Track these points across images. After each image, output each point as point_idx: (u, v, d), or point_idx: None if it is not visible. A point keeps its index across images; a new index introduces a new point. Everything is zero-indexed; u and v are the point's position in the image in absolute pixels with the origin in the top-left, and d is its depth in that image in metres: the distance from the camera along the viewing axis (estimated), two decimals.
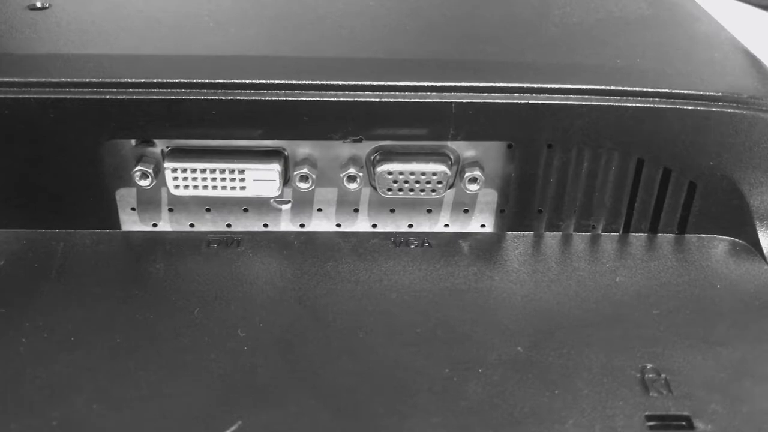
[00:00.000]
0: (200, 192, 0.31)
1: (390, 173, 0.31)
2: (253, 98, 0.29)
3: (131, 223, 0.33)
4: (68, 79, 0.29)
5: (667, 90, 0.30)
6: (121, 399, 0.24)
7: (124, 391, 0.25)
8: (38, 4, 0.35)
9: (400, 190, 0.32)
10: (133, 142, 0.31)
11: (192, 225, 0.34)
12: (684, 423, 0.24)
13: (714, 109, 0.30)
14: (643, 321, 0.28)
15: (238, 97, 0.29)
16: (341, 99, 0.29)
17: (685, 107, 0.30)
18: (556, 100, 0.30)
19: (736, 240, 0.32)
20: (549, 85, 0.30)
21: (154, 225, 0.34)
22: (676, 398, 0.25)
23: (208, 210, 0.33)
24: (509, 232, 0.33)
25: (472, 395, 0.25)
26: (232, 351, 0.26)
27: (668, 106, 0.30)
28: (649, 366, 0.26)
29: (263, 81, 0.29)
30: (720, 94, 0.30)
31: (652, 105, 0.30)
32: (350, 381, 0.25)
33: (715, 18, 0.39)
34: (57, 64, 0.30)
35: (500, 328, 0.28)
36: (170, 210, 0.33)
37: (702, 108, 0.30)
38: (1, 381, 0.25)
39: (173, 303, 0.28)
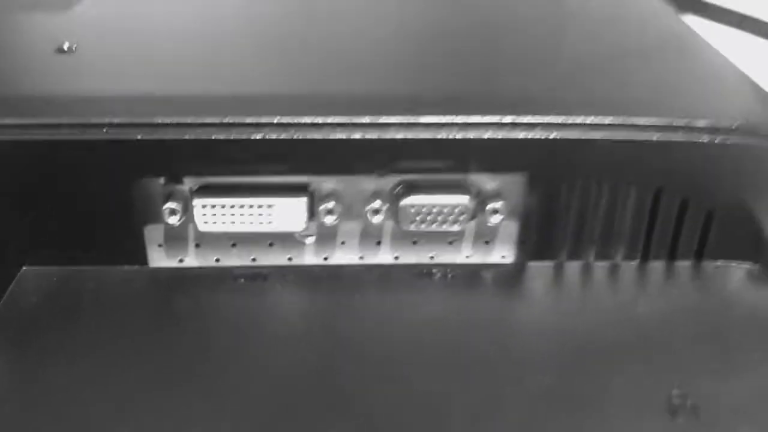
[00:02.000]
0: (228, 227, 0.32)
1: (413, 206, 0.32)
2: (282, 137, 0.30)
3: (158, 259, 0.34)
4: (99, 121, 0.30)
5: (685, 123, 0.30)
6: None
7: (162, 428, 0.25)
8: (65, 47, 0.36)
9: (423, 222, 0.32)
10: (162, 180, 0.32)
11: (218, 260, 0.34)
12: None
13: (730, 141, 0.30)
14: (667, 348, 0.29)
15: (267, 136, 0.30)
16: (367, 137, 0.30)
17: (702, 140, 0.30)
18: (575, 135, 0.30)
19: (754, 266, 0.33)
20: (568, 120, 0.30)
21: (181, 260, 0.34)
22: (704, 424, 0.25)
23: (233, 245, 0.34)
24: (530, 263, 0.34)
25: (504, 425, 0.25)
26: (269, 385, 0.26)
27: (685, 140, 0.30)
28: (675, 393, 0.26)
29: (291, 120, 0.30)
30: (736, 126, 0.31)
31: (670, 139, 0.30)
32: (387, 411, 0.25)
33: (717, 49, 0.40)
34: (87, 106, 0.31)
35: (527, 358, 0.28)
36: (197, 245, 0.34)
37: (719, 141, 0.30)
38: (38, 421, 0.25)
39: (206, 338, 0.29)
